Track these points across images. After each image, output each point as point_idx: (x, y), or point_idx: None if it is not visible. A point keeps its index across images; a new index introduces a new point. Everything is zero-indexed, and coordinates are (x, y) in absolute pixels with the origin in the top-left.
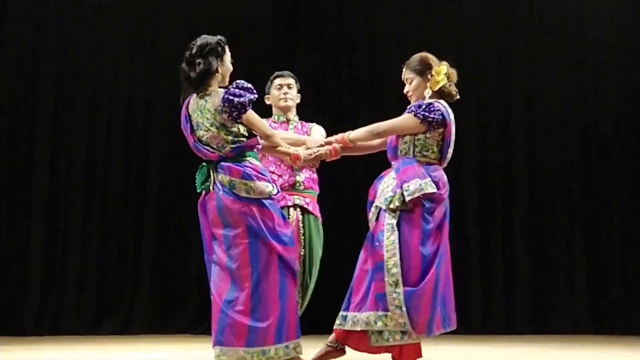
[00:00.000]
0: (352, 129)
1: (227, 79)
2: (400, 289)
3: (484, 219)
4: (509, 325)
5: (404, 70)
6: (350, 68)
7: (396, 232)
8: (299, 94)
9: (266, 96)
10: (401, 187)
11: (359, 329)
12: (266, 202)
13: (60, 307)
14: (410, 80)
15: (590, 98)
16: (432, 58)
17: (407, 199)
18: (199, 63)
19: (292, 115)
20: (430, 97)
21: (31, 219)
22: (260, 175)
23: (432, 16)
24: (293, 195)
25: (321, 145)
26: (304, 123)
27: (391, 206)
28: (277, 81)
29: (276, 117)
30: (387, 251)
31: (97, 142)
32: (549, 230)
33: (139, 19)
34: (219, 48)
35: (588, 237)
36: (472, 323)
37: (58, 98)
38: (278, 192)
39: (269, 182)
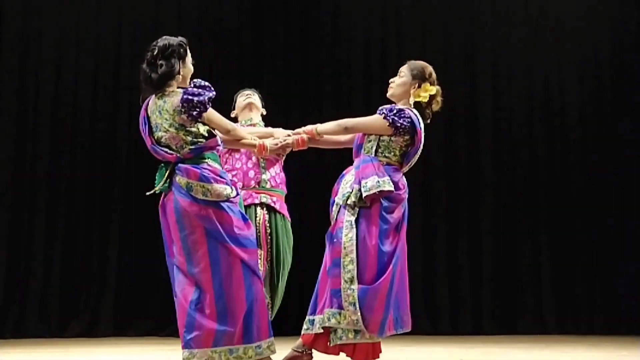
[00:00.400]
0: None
1: (188, 80)
2: (355, 286)
3: (451, 221)
4: (476, 327)
5: (404, 65)
6: (317, 67)
7: (354, 229)
8: (263, 109)
9: (232, 112)
10: (359, 184)
11: (319, 329)
12: (224, 204)
13: (24, 310)
14: (401, 75)
15: (556, 93)
16: (432, 75)
17: (364, 194)
18: (161, 65)
19: (257, 119)
20: (405, 103)
21: None
22: (218, 177)
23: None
24: (260, 193)
25: (288, 136)
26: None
27: (349, 202)
28: (241, 93)
29: (243, 122)
30: (344, 248)
31: (61, 144)
32: (515, 232)
33: (101, 18)
34: (181, 49)
35: (553, 239)
36: (440, 324)
37: (20, 101)
38: (237, 194)
39: (228, 184)
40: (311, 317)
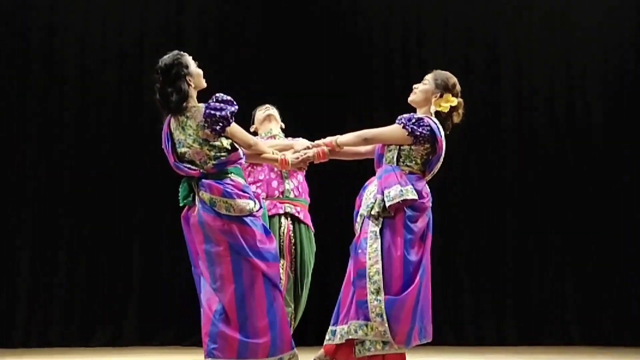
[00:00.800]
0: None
1: (202, 81)
2: (382, 297)
3: (475, 230)
4: (500, 337)
5: (430, 73)
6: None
7: (379, 240)
8: (282, 123)
9: (251, 126)
10: (382, 193)
11: (342, 340)
12: (247, 219)
13: (50, 319)
14: (425, 82)
15: (579, 95)
16: (456, 87)
17: (388, 204)
18: (171, 92)
19: (277, 130)
20: (425, 112)
21: (21, 229)
22: (241, 192)
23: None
24: (284, 203)
25: (308, 148)
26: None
27: (372, 212)
28: (260, 107)
29: (262, 134)
30: (369, 258)
31: (86, 155)
32: (539, 242)
33: (124, 30)
34: (180, 68)
35: (578, 249)
36: (463, 334)
37: (43, 111)
38: (260, 208)
39: (251, 198)
40: (333, 328)
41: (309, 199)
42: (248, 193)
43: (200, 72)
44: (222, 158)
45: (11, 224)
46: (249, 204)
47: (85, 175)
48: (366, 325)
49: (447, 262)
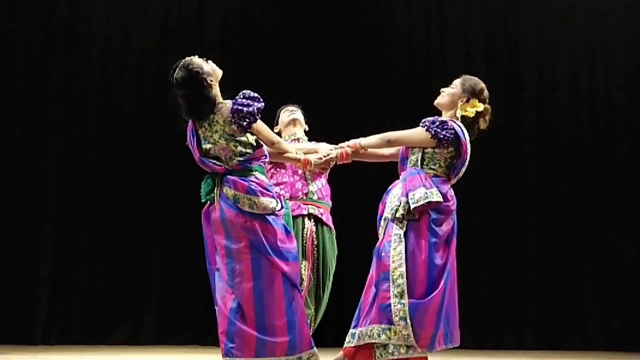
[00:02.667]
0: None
1: (218, 72)
2: (406, 300)
3: (495, 234)
4: (520, 342)
5: (458, 79)
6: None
7: (403, 243)
8: (306, 127)
9: (275, 127)
10: (406, 196)
11: (362, 342)
12: (269, 217)
13: (70, 317)
14: (453, 86)
15: (602, 95)
16: (484, 93)
17: (412, 207)
18: (199, 103)
19: (301, 133)
20: (451, 116)
21: (41, 228)
22: (264, 190)
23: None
24: (307, 204)
25: (331, 150)
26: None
27: (397, 215)
28: (285, 108)
29: (286, 137)
30: (393, 261)
31: (107, 155)
32: (561, 247)
33: (145, 26)
34: (197, 77)
35: (600, 254)
36: (483, 339)
37: (68, 106)
38: (282, 207)
39: (274, 197)
40: (353, 331)
41: (330, 202)
42: (271, 192)
43: (213, 66)
44: (247, 154)
45: (32, 222)
46: (272, 203)
47: (106, 174)
48: (389, 329)
49: (466, 265)
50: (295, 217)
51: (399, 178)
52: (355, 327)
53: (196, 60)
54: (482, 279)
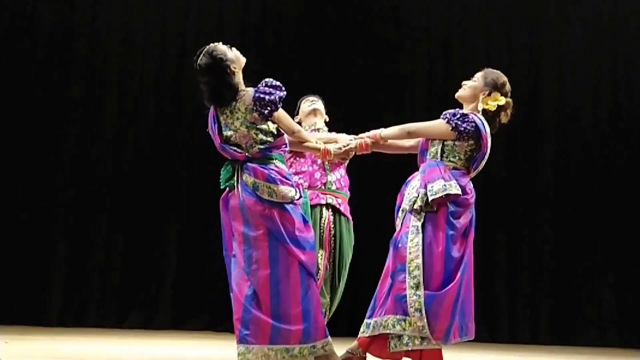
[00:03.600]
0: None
1: (242, 60)
2: (421, 292)
3: (510, 228)
4: (534, 336)
5: (480, 72)
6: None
7: (420, 235)
8: (326, 117)
9: (296, 117)
10: (425, 188)
11: (377, 333)
12: (288, 206)
13: (86, 300)
14: (475, 80)
15: (623, 97)
16: (506, 87)
17: (430, 199)
18: (222, 90)
19: (321, 124)
20: (473, 109)
21: (58, 211)
22: (284, 179)
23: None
24: (326, 194)
25: (351, 141)
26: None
27: (415, 207)
28: (306, 98)
29: (307, 127)
30: (410, 253)
31: (125, 138)
32: (576, 241)
33: (166, 19)
34: (221, 63)
35: (616, 249)
36: (497, 332)
37: (86, 96)
38: (301, 197)
39: (293, 186)
40: (368, 321)
41: (349, 192)
42: (290, 181)
43: (237, 53)
44: (268, 143)
45: (48, 206)
46: (291, 191)
47: (124, 159)
48: (404, 320)
49: (483, 258)
50: (313, 207)
51: (418, 170)
52: (370, 317)
53: (220, 46)
54: (498, 272)
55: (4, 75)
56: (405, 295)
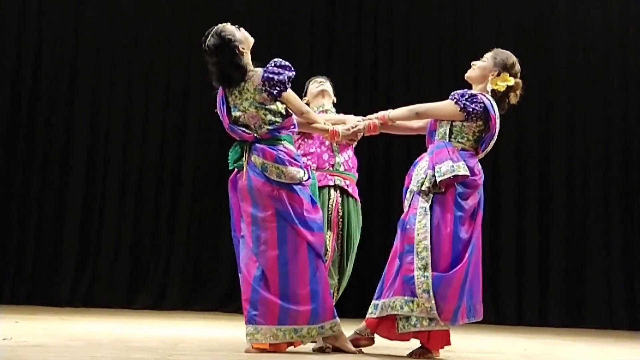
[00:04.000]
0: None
1: (250, 40)
2: (429, 273)
3: (520, 210)
4: (542, 318)
5: (491, 51)
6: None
7: (428, 216)
8: (334, 99)
9: (304, 98)
10: (433, 169)
11: (385, 314)
12: (296, 187)
13: (95, 280)
14: (485, 60)
15: (634, 90)
16: (516, 67)
17: (438, 179)
18: (231, 71)
19: (329, 106)
20: (482, 89)
21: (68, 192)
22: (292, 160)
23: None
24: (334, 175)
25: (359, 122)
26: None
27: (423, 188)
28: (314, 79)
29: (315, 109)
30: (417, 234)
31: (134, 120)
32: (586, 224)
33: (177, 11)
34: (230, 44)
35: (625, 231)
36: (505, 314)
37: (95, 81)
38: (309, 178)
39: (301, 167)
40: (376, 302)
41: (357, 174)
42: (299, 162)
43: (245, 33)
44: (276, 123)
45: (60, 187)
46: (299, 172)
47: (132, 140)
48: (412, 301)
49: (492, 240)
50: (321, 188)
51: (426, 151)
52: (378, 298)
53: (228, 27)
54: (507, 254)
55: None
56: (413, 277)
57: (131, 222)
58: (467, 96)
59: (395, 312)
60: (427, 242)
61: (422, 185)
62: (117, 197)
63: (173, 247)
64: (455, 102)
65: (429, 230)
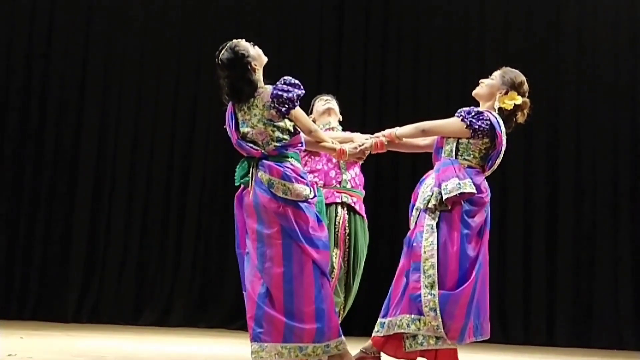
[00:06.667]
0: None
1: (263, 58)
2: (436, 291)
3: (528, 228)
4: (549, 337)
5: (498, 71)
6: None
7: (435, 234)
8: (340, 116)
9: (310, 116)
10: (439, 186)
11: (392, 332)
12: (302, 204)
13: (101, 296)
14: (493, 78)
15: None
16: (524, 86)
17: (445, 197)
18: (242, 86)
19: (335, 123)
20: (489, 107)
21: (75, 208)
22: (299, 177)
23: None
24: (341, 193)
25: (366, 140)
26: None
27: (429, 205)
28: (320, 97)
29: (321, 126)
30: (424, 252)
31: (142, 136)
32: (593, 242)
33: (183, 18)
34: (243, 59)
35: (634, 251)
36: (512, 333)
37: (104, 95)
38: (315, 196)
39: (307, 185)
40: (382, 320)
41: (364, 191)
42: (305, 179)
43: (259, 51)
44: (284, 140)
45: (66, 203)
46: (305, 190)
47: (137, 158)
48: (419, 320)
49: (499, 258)
50: (328, 205)
51: (432, 168)
52: (384, 316)
53: (243, 43)
54: (514, 272)
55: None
56: (420, 295)
57: (137, 238)
58: (473, 113)
59: (402, 331)
60: (434, 259)
61: (428, 203)
62: (124, 214)
63: (179, 264)
64: (462, 119)
65: (435, 248)
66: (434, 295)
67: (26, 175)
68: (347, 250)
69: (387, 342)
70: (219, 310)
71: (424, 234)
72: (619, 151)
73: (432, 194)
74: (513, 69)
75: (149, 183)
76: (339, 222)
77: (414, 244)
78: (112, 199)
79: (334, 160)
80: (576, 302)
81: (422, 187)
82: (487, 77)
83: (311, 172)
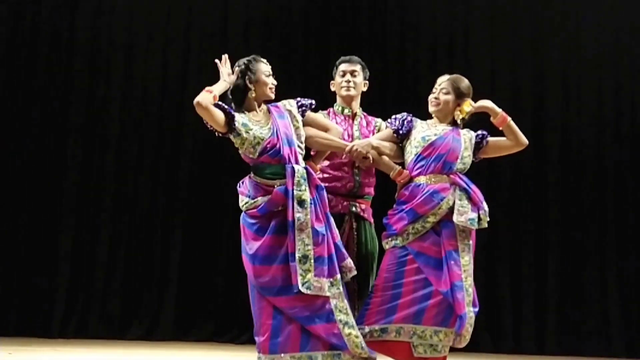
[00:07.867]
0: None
1: (266, 91)
2: (471, 308)
3: (516, 239)
4: (539, 346)
5: (445, 79)
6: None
7: (471, 253)
8: (366, 81)
9: (331, 82)
10: (480, 209)
11: (406, 339)
12: (245, 215)
13: (87, 311)
14: (445, 92)
15: (628, 107)
16: (471, 88)
17: (487, 219)
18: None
19: (357, 107)
20: (451, 122)
21: (60, 222)
22: (241, 189)
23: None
24: (349, 201)
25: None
26: (369, 118)
27: (470, 225)
28: (342, 67)
29: (339, 109)
30: (464, 271)
31: (127, 146)
32: (582, 251)
33: (171, 16)
34: (245, 70)
35: (622, 259)
36: (502, 342)
37: (89, 102)
38: (258, 209)
39: (248, 196)
40: (385, 326)
41: (373, 192)
42: (246, 192)
43: (268, 82)
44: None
45: (51, 218)
46: (242, 200)
47: (127, 169)
48: (441, 332)
49: (488, 268)
50: (336, 214)
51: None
52: (379, 321)
53: (261, 64)
54: (503, 282)
55: (7, 84)
56: (465, 314)
57: (124, 251)
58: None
59: (424, 341)
60: (472, 279)
61: (470, 222)
62: (110, 227)
63: (166, 277)
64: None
65: (472, 266)
66: (473, 312)
67: (8, 188)
68: (355, 259)
69: (386, 343)
70: (208, 323)
71: (461, 252)
72: (604, 157)
73: (481, 212)
74: (458, 75)
75: (135, 195)
76: (345, 231)
77: (452, 262)
78: (97, 211)
79: (346, 169)
80: (566, 311)
81: (438, 201)
82: (433, 92)
83: (323, 180)
